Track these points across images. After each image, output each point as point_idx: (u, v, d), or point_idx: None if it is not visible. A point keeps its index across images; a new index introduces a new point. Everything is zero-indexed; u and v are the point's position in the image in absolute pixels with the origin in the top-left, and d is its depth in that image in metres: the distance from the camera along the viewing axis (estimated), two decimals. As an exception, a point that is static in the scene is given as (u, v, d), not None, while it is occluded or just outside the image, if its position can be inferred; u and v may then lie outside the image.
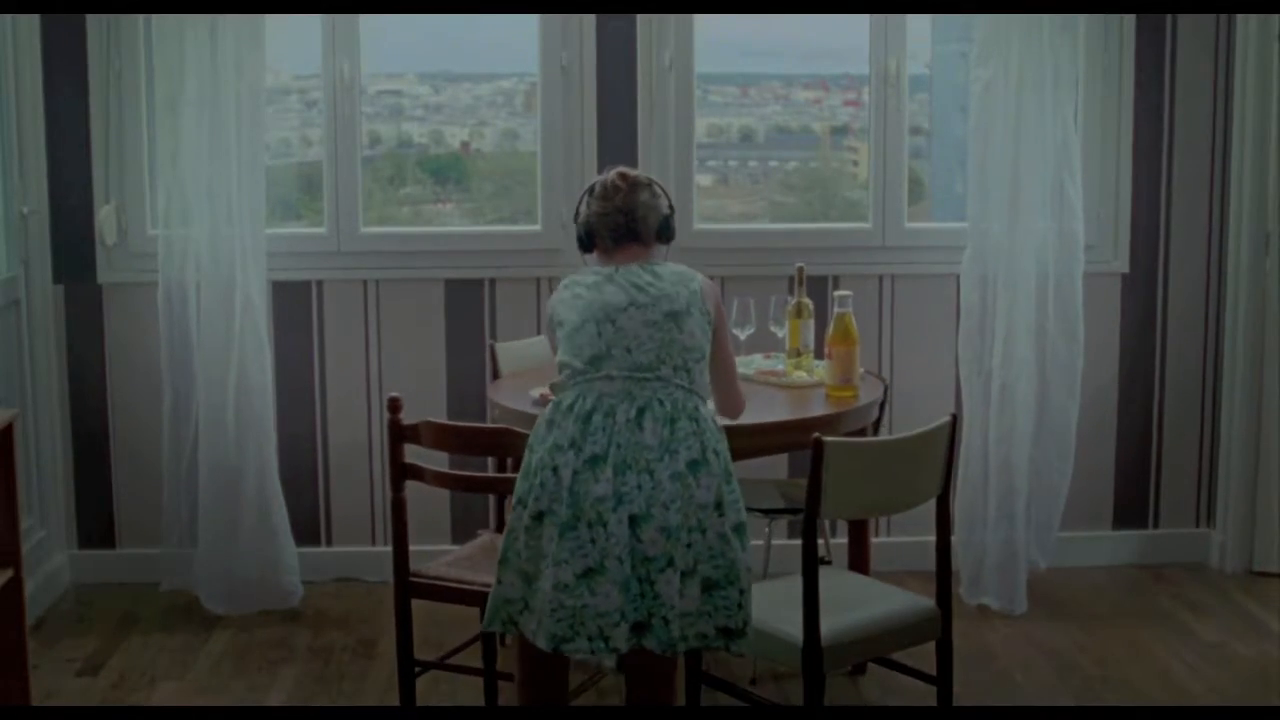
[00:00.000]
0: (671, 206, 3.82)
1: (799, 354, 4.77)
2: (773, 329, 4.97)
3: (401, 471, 4.14)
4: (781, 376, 4.73)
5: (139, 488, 5.65)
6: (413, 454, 4.13)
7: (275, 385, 5.44)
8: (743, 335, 4.94)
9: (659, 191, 3.81)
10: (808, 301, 4.80)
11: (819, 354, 4.74)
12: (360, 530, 5.73)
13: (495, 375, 5.04)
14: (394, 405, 4.15)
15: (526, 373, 4.91)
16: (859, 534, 4.88)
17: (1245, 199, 5.61)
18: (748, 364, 4.85)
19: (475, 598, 4.07)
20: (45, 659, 4.95)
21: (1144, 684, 4.78)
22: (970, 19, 5.40)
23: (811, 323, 4.79)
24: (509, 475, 3.89)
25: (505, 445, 3.97)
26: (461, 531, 5.47)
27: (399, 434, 4.13)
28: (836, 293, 4.54)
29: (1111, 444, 5.84)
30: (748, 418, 3.97)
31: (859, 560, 4.84)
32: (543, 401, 4.15)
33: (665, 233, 3.81)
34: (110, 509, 5.69)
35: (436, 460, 4.39)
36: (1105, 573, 5.78)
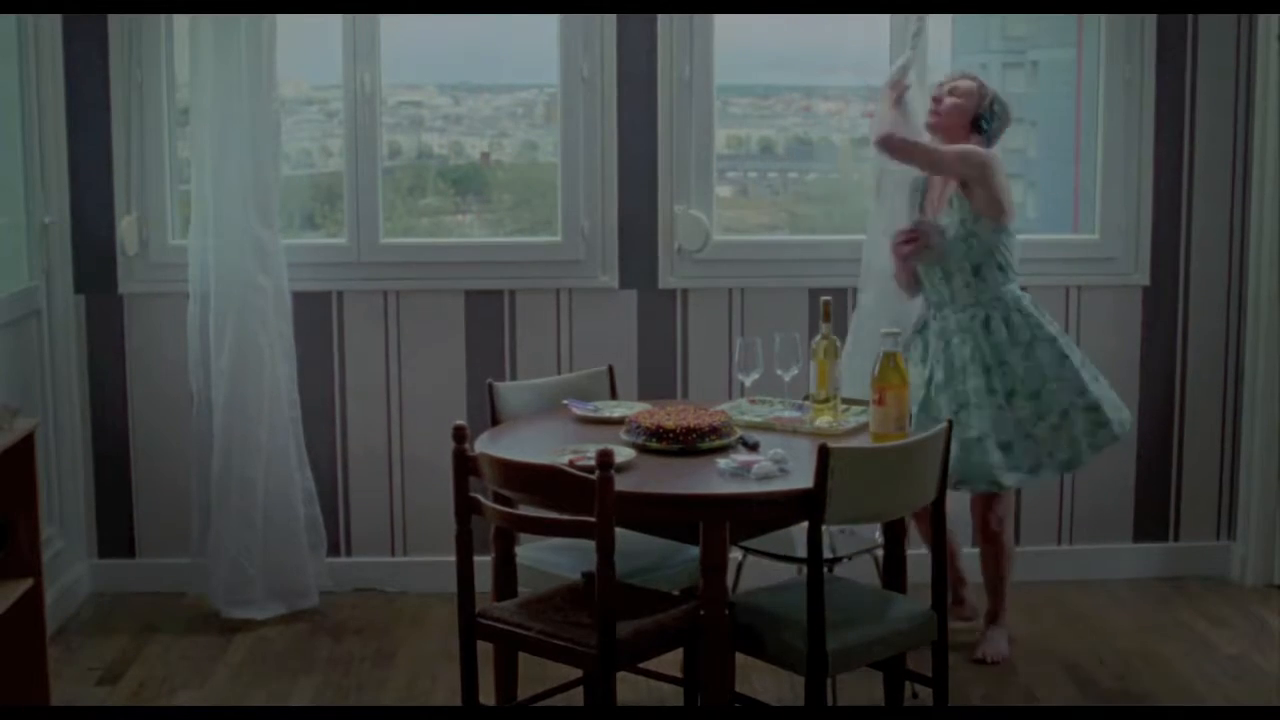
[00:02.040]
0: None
1: (827, 399, 4.29)
2: (778, 372, 4.46)
3: (466, 505, 3.87)
4: (801, 425, 4.27)
5: (159, 498, 5.66)
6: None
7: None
8: (748, 381, 4.46)
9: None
10: (836, 340, 4.36)
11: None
12: (380, 540, 5.73)
13: (495, 419, 4.50)
14: (459, 434, 3.87)
15: (535, 417, 4.53)
16: (895, 540, 4.41)
17: (1266, 211, 5.59)
18: (759, 413, 4.43)
19: (543, 648, 3.82)
20: (65, 668, 4.95)
21: (1164, 697, 4.76)
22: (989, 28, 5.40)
23: (839, 363, 4.35)
24: (577, 519, 3.65)
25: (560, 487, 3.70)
26: (480, 540, 5.47)
27: (464, 465, 3.87)
28: (883, 331, 4.19)
29: (1132, 456, 5.82)
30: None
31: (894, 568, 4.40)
32: (572, 465, 3.77)
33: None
34: (130, 519, 5.70)
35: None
36: (1125, 586, 5.76)
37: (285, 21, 5.34)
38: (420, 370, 5.66)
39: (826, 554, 4.35)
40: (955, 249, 4.86)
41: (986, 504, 5.01)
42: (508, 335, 5.65)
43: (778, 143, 5.98)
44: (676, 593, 4.13)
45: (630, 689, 4.58)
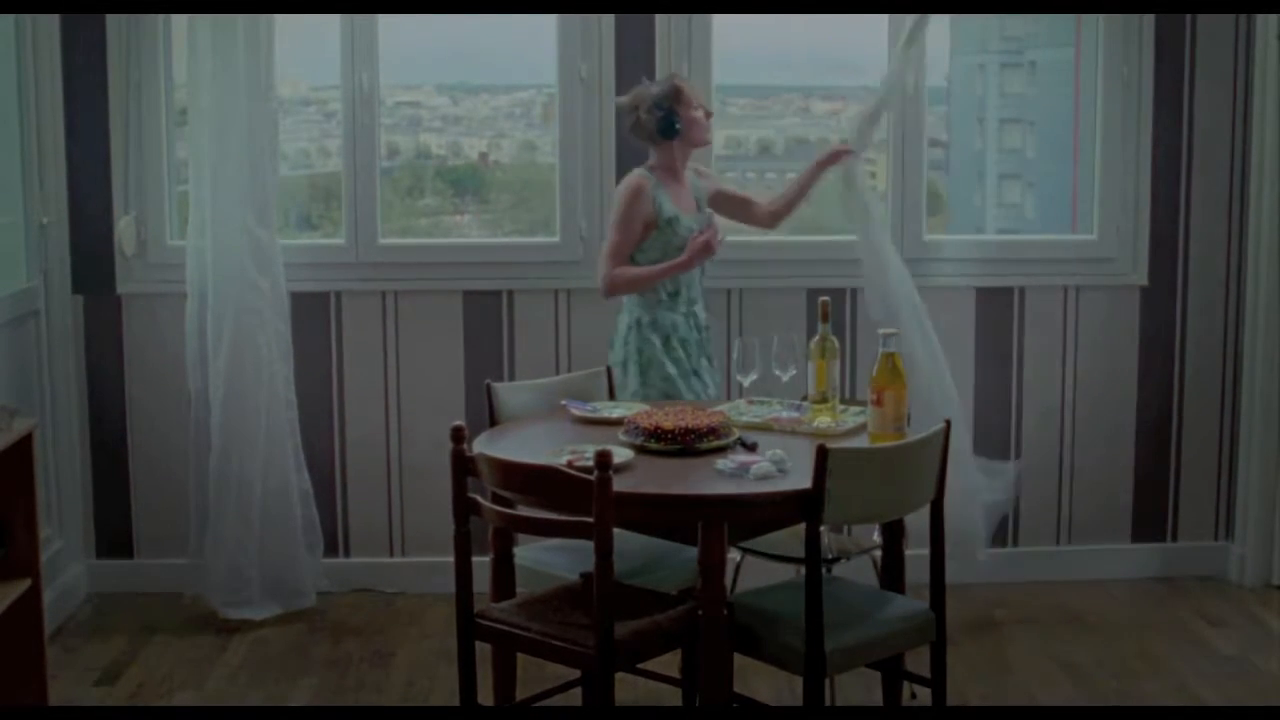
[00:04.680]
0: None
1: (825, 399, 4.26)
2: (776, 373, 4.44)
3: (465, 506, 3.86)
4: (799, 425, 4.25)
5: (157, 498, 5.66)
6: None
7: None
8: (746, 381, 4.43)
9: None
10: (834, 340, 4.31)
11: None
12: (378, 541, 5.73)
13: (493, 420, 4.46)
14: (457, 435, 3.86)
15: (533, 418, 4.51)
16: (893, 540, 4.37)
17: (1265, 211, 5.59)
18: (757, 413, 4.40)
19: (541, 649, 3.81)
20: (63, 668, 4.95)
21: (1161, 697, 4.76)
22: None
23: (838, 364, 4.30)
24: (575, 519, 3.64)
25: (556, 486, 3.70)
26: (478, 540, 5.46)
27: (463, 466, 3.86)
28: (881, 331, 4.12)
29: (1130, 457, 5.82)
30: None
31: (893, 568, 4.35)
32: (570, 466, 3.76)
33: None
34: (128, 519, 5.70)
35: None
36: (1123, 586, 5.76)
37: (283, 22, 5.34)
38: (418, 371, 5.66)
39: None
40: None
41: None
42: (506, 336, 5.65)
43: (776, 143, 5.98)
44: (675, 593, 4.12)
45: (628, 689, 4.58)
